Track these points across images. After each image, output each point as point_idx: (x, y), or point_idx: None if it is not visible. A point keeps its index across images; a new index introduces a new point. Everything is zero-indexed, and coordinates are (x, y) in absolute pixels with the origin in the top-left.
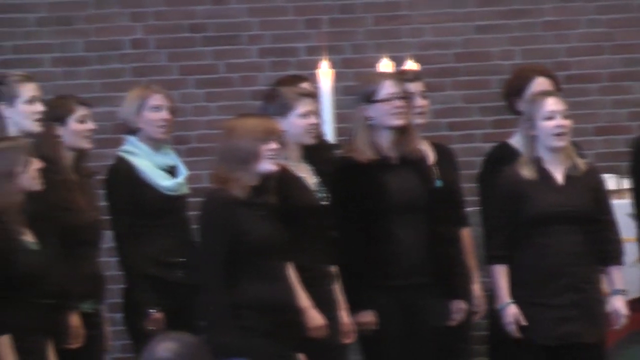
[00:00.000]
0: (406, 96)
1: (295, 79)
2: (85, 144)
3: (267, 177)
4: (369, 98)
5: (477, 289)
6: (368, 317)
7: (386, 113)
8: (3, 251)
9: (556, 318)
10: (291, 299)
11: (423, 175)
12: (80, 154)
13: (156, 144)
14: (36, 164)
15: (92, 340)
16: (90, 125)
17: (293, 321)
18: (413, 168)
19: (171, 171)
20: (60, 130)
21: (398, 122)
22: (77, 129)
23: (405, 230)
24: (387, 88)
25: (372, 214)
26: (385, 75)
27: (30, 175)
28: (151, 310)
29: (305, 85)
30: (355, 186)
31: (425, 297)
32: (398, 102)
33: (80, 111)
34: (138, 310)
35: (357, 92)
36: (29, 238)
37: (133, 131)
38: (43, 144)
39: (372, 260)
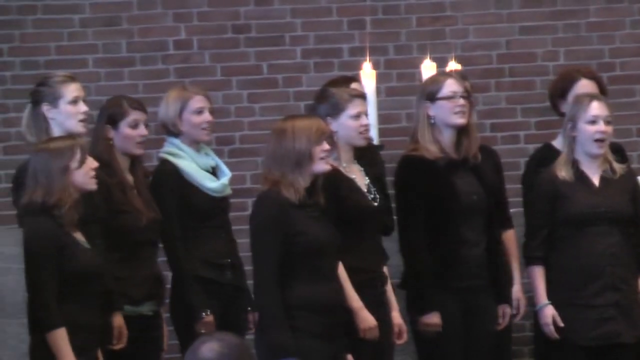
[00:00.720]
0: (468, 95)
1: (346, 80)
2: (136, 150)
3: (316, 178)
4: (433, 96)
5: (517, 290)
6: (435, 318)
7: (449, 111)
8: (58, 246)
9: (595, 318)
10: (343, 300)
11: (483, 178)
12: (136, 157)
13: (197, 145)
14: (92, 164)
15: (153, 341)
16: (142, 130)
17: (345, 322)
18: (474, 170)
19: (213, 172)
20: (112, 133)
21: (461, 120)
22: (128, 133)
23: (470, 232)
24: (450, 86)
25: (441, 214)
26: (448, 75)
27: (85, 173)
28: (204, 313)
29: (355, 86)
30: (425, 184)
31: (484, 299)
32: (461, 101)
33: (133, 115)
34: (190, 313)
35: (420, 90)
36: (80, 237)
37: (174, 132)
38: (97, 146)
39: (440, 261)
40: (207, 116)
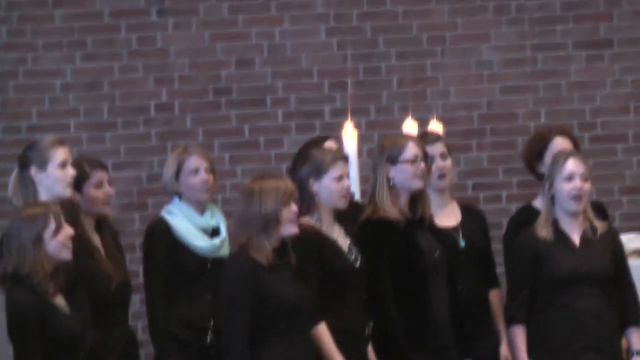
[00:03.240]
0: (427, 159)
1: (321, 140)
2: (105, 209)
3: (286, 239)
4: (394, 159)
5: (504, 349)
6: None
7: (411, 175)
8: (38, 315)
9: None
10: None
11: (440, 237)
12: (102, 217)
13: (199, 205)
14: (68, 231)
15: None
16: (108, 189)
17: None
18: (430, 230)
19: (215, 232)
20: (77, 197)
21: (420, 184)
22: (94, 194)
23: (436, 290)
24: (412, 150)
25: (408, 275)
26: (409, 138)
27: (60, 242)
28: None
29: (329, 144)
30: (391, 246)
31: (452, 356)
32: (422, 165)
33: (97, 176)
34: None
35: (381, 152)
36: (61, 303)
37: (175, 193)
38: (62, 211)
39: (410, 321)
40: (203, 176)
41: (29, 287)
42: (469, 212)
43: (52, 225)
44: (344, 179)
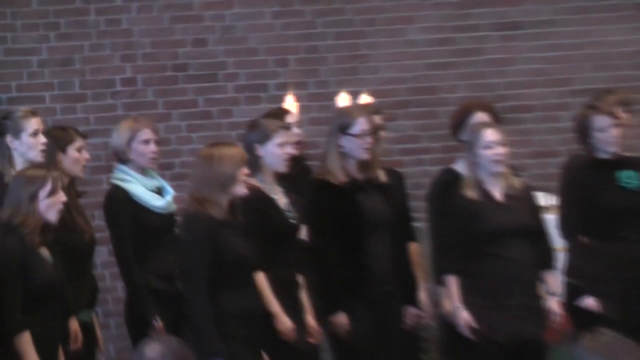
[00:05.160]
0: (376, 132)
1: (282, 112)
2: (80, 172)
3: (236, 199)
4: (345, 130)
5: (424, 295)
6: (342, 318)
7: (357, 146)
8: (22, 262)
9: (509, 318)
10: (264, 307)
11: (386, 197)
12: (72, 178)
13: (143, 170)
14: (61, 197)
15: (89, 343)
16: (86, 154)
17: (266, 326)
18: (377, 190)
19: (159, 192)
20: (61, 157)
21: (366, 156)
22: (76, 157)
23: (375, 244)
24: (361, 125)
25: (348, 230)
26: (360, 112)
27: (51, 204)
28: (154, 321)
29: (290, 118)
30: (334, 205)
31: (391, 303)
32: (368, 139)
33: (79, 142)
34: (143, 321)
35: (334, 121)
36: (46, 254)
37: (123, 159)
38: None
39: (348, 270)
40: (152, 147)
41: (19, 236)
42: (393, 174)
43: (48, 187)
44: (286, 147)
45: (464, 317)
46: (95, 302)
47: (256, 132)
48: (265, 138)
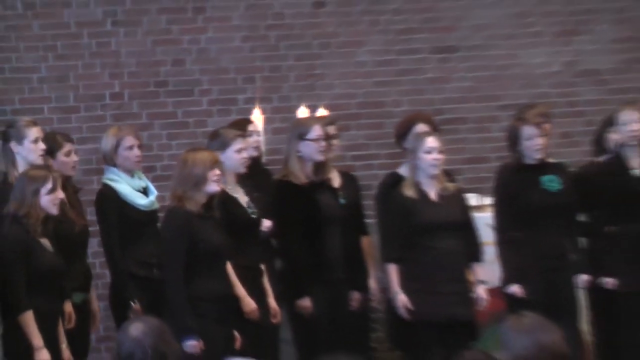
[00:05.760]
0: (329, 138)
1: (245, 122)
2: (71, 172)
3: (212, 197)
4: (302, 137)
5: (373, 282)
6: (306, 302)
7: (314, 150)
8: (25, 250)
9: (442, 302)
10: (232, 291)
11: (335, 196)
12: (66, 178)
13: (130, 172)
14: (60, 194)
15: (82, 324)
16: (74, 157)
17: (234, 308)
18: (330, 190)
19: (144, 191)
20: (51, 161)
21: (321, 158)
22: (64, 160)
23: (330, 237)
24: (317, 131)
25: (307, 224)
26: (315, 121)
27: (51, 199)
28: (132, 303)
29: (252, 127)
30: (295, 203)
31: (343, 288)
32: (323, 143)
33: (67, 147)
34: (123, 303)
35: (292, 129)
36: (47, 243)
37: (112, 163)
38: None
39: (307, 258)
40: (136, 152)
41: (24, 226)
42: (347, 177)
43: (49, 185)
44: (243, 152)
45: (401, 300)
46: (89, 286)
47: (216, 141)
48: (224, 146)
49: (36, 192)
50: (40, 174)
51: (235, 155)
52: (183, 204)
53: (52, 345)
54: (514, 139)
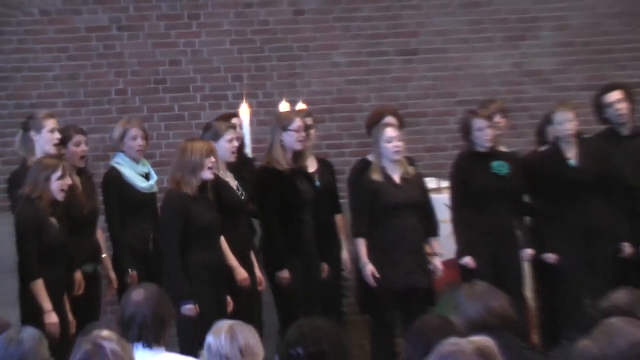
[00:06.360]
0: (308, 129)
1: (230, 115)
2: (79, 162)
3: (206, 181)
4: (285, 128)
5: (345, 255)
6: (285, 274)
7: (294, 140)
8: (37, 227)
9: (403, 272)
10: (225, 261)
11: (311, 180)
12: (82, 167)
13: (135, 159)
14: (67, 181)
15: (93, 291)
16: (83, 147)
17: (227, 277)
18: (307, 176)
19: (146, 176)
20: (63, 151)
21: (301, 147)
22: (74, 150)
23: (305, 216)
24: (297, 123)
25: (287, 206)
26: (296, 114)
27: (60, 185)
28: (130, 271)
29: (236, 120)
30: (278, 187)
31: (316, 260)
32: (303, 134)
33: (77, 138)
34: (122, 270)
35: (276, 121)
36: (55, 222)
37: (120, 149)
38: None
39: (289, 236)
40: (139, 142)
41: (36, 207)
42: (323, 163)
43: (59, 173)
44: (234, 142)
45: (369, 270)
46: (99, 258)
47: (210, 132)
48: (217, 136)
49: (48, 178)
50: (52, 163)
51: (227, 145)
52: (180, 187)
53: (60, 309)
54: (466, 130)
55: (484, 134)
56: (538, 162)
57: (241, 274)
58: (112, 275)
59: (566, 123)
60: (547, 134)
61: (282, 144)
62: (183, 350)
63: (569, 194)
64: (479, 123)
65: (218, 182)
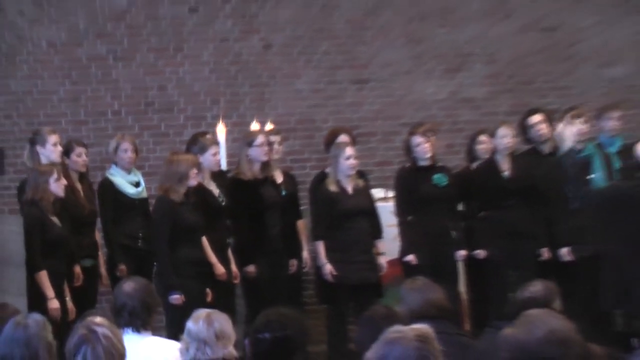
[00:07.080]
0: (270, 144)
1: (203, 133)
2: (81, 169)
3: (189, 188)
4: (250, 143)
5: (305, 253)
6: (251, 269)
7: (259, 153)
8: (40, 225)
9: (355, 269)
10: (206, 258)
11: (277, 189)
12: (83, 174)
13: (127, 169)
14: (63, 181)
15: (92, 283)
16: (84, 157)
17: (207, 271)
18: (271, 184)
19: (137, 184)
20: (66, 161)
21: (265, 158)
22: (75, 160)
23: (270, 219)
24: (260, 139)
25: (254, 210)
26: (259, 132)
27: (58, 185)
28: (121, 266)
29: (208, 136)
30: (244, 195)
31: (281, 257)
32: (265, 148)
33: (78, 150)
34: (113, 265)
35: (243, 139)
36: (56, 220)
37: (114, 161)
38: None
39: (254, 237)
40: (129, 155)
41: (39, 207)
42: (287, 175)
43: (55, 175)
44: (217, 155)
45: (327, 268)
46: (97, 254)
47: (197, 146)
48: (203, 150)
49: (46, 182)
50: (47, 168)
51: (211, 157)
52: (168, 194)
53: (61, 297)
54: (408, 147)
55: (422, 148)
56: (475, 173)
57: (219, 269)
58: (103, 271)
59: (507, 137)
60: (475, 152)
61: (248, 157)
62: (170, 334)
63: (500, 201)
64: (416, 139)
65: (202, 189)
